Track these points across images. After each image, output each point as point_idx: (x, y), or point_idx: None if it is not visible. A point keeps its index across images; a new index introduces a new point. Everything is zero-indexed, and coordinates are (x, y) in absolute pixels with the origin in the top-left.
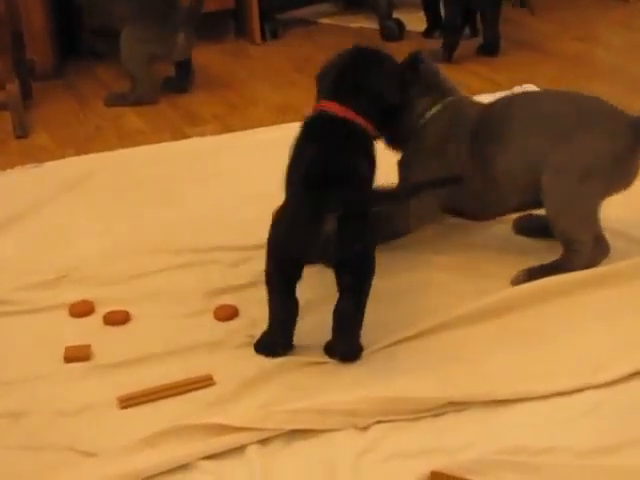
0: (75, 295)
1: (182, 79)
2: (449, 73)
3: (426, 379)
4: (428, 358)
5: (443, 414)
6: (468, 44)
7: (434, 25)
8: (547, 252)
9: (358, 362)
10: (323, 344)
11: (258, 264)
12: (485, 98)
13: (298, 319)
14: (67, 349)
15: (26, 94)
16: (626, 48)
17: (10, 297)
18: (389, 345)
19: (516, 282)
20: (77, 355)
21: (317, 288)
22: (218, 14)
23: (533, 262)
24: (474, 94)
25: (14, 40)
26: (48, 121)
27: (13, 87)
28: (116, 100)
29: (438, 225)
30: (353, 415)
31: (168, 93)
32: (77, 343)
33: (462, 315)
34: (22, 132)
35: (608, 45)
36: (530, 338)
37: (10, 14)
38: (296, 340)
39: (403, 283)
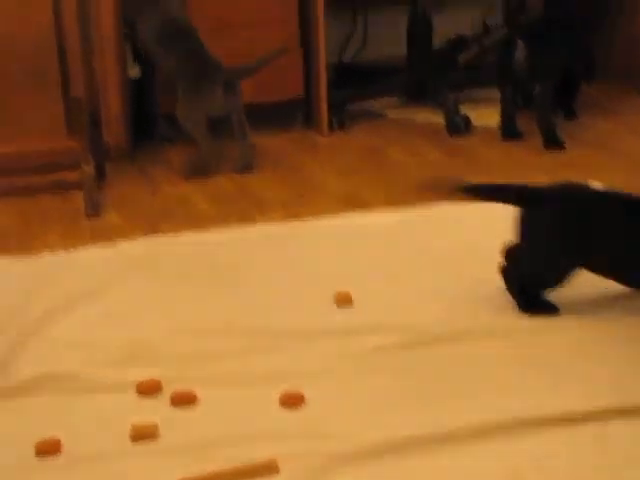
0: (142, 374)
1: (243, 153)
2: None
3: None
4: None
5: None
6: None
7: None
8: None
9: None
10: None
11: (324, 349)
12: None
13: None
14: (134, 427)
15: (100, 175)
16: None
17: (78, 374)
18: None
19: None
20: (144, 434)
21: None
22: (287, 104)
23: None
24: None
25: (91, 122)
26: (119, 201)
27: (88, 168)
28: (191, 172)
29: None
30: None
31: (236, 173)
32: (144, 422)
33: None
34: (94, 211)
35: None
36: None
37: (89, 97)
38: None
39: None
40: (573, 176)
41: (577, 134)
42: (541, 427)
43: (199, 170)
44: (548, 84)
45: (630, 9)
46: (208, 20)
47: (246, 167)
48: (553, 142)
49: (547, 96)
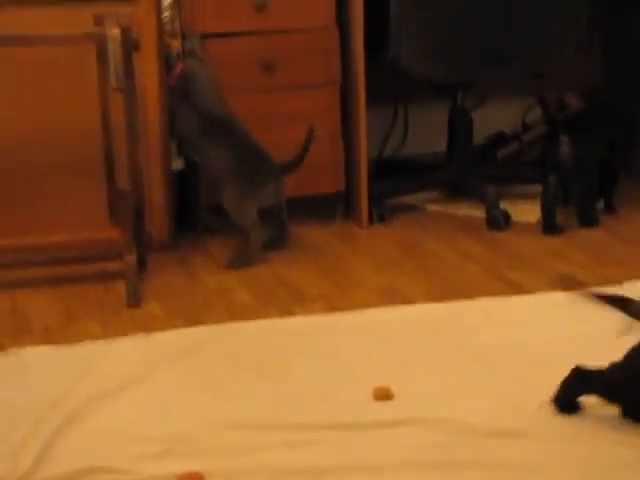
0: (182, 467)
1: (277, 234)
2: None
3: None
4: None
5: None
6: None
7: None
8: None
9: None
10: None
11: (363, 445)
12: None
13: None
14: None
15: (141, 265)
16: None
17: (119, 466)
18: None
19: None
20: None
21: None
22: (329, 197)
23: None
24: (582, 287)
25: (135, 213)
26: (160, 292)
27: (131, 258)
28: (238, 261)
29: None
30: None
31: (267, 253)
32: None
33: None
34: (135, 301)
35: None
36: None
37: (134, 189)
38: None
39: None
40: (614, 273)
41: (617, 230)
42: None
43: (246, 260)
44: (590, 177)
45: None
46: (253, 114)
47: (281, 245)
48: (589, 222)
49: (589, 189)
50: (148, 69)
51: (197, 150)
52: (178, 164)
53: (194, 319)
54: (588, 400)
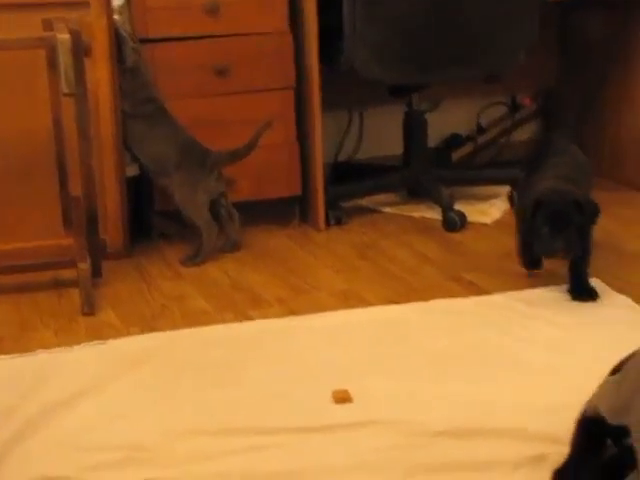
0: (139, 475)
1: (230, 232)
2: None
3: None
4: None
5: None
6: None
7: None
8: None
9: None
10: None
11: (323, 448)
12: (551, 290)
13: None
14: None
15: (96, 272)
16: None
17: (75, 475)
18: None
19: None
20: None
21: None
22: (285, 200)
23: None
24: (538, 287)
25: (89, 220)
26: (115, 299)
27: (85, 265)
28: (193, 259)
29: None
30: None
31: (223, 256)
32: None
33: None
34: (89, 309)
35: None
36: None
37: (87, 196)
38: None
39: None
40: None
41: None
42: None
43: (200, 257)
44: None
45: (614, 113)
46: (202, 117)
47: (235, 245)
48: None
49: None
50: (100, 74)
51: (142, 142)
52: (132, 170)
53: (150, 326)
54: None
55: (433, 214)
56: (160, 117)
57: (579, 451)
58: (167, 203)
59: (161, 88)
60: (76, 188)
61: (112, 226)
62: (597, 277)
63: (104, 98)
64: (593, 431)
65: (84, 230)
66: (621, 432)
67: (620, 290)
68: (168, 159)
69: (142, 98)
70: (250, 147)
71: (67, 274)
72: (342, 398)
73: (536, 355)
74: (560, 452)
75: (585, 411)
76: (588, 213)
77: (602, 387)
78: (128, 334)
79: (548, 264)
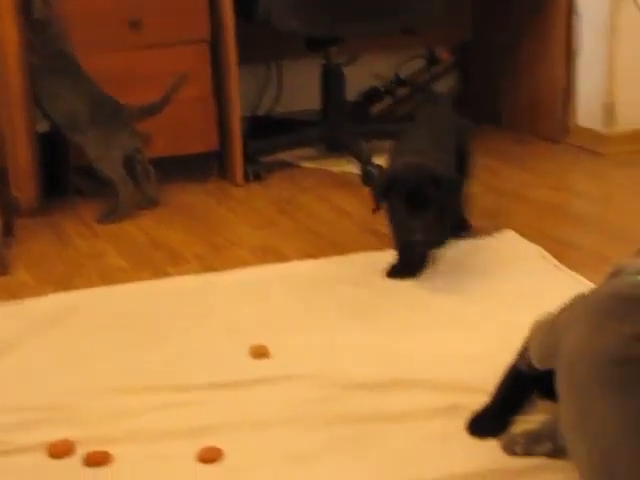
0: (54, 435)
1: (147, 189)
2: None
3: None
4: None
5: None
6: None
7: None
8: None
9: None
10: None
11: (241, 403)
12: (465, 243)
13: None
14: None
15: (8, 231)
16: (600, 198)
17: None
18: None
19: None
20: None
21: None
22: (202, 156)
23: None
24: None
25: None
26: (29, 258)
27: None
28: (109, 216)
29: None
30: None
31: (140, 213)
32: None
33: None
34: (3, 269)
35: (583, 195)
36: None
37: None
38: None
39: None
40: (488, 223)
41: (490, 182)
42: None
43: (117, 214)
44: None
45: (530, 67)
46: (116, 71)
47: (153, 202)
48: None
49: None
50: (6, 27)
51: (53, 98)
52: (44, 126)
53: (66, 285)
54: None
55: (352, 168)
56: (71, 71)
57: (499, 400)
58: (82, 159)
59: (73, 41)
60: None
61: (24, 183)
62: (511, 228)
63: (11, 52)
64: (519, 381)
65: None
66: (547, 379)
67: (533, 240)
68: (79, 115)
69: (52, 52)
70: (165, 102)
71: None
72: (260, 353)
73: (453, 307)
74: (475, 402)
75: (515, 360)
76: (447, 190)
77: (534, 334)
78: (43, 293)
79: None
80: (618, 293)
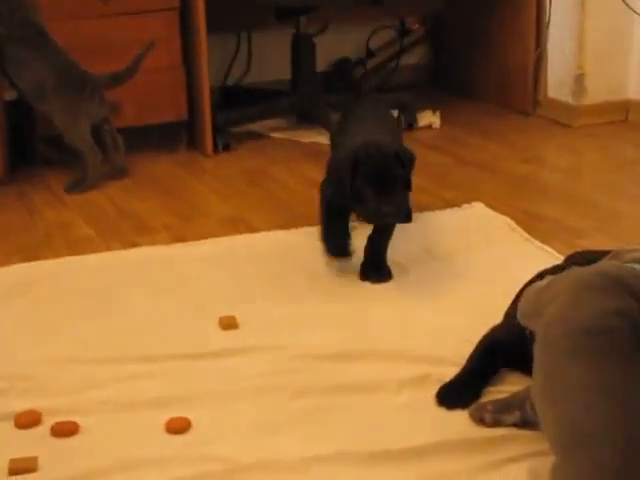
0: (21, 405)
1: (115, 158)
2: None
3: None
4: None
5: None
6: None
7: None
8: None
9: None
10: None
11: (210, 374)
12: (434, 215)
13: None
14: (12, 461)
15: None
16: (571, 170)
17: None
18: None
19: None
20: (23, 467)
21: None
22: (171, 126)
23: None
24: (422, 210)
25: None
26: None
27: None
28: (77, 185)
29: None
30: None
31: (108, 183)
32: (23, 455)
33: None
34: None
35: (553, 167)
36: None
37: None
38: None
39: None
40: (457, 195)
41: (461, 154)
42: None
43: (85, 184)
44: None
45: (501, 39)
46: (85, 40)
47: (121, 171)
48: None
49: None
50: None
51: (19, 66)
52: (11, 94)
53: (33, 255)
54: None
55: (322, 139)
56: (38, 40)
57: (469, 370)
58: (50, 128)
59: (42, 9)
60: None
61: None
62: (481, 200)
63: None
64: (491, 352)
65: None
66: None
67: (502, 212)
68: (46, 84)
69: (19, 20)
70: (132, 70)
71: None
72: (228, 324)
73: (421, 279)
74: (444, 373)
75: (488, 333)
76: (409, 166)
77: (526, 294)
78: (9, 263)
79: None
80: (606, 272)
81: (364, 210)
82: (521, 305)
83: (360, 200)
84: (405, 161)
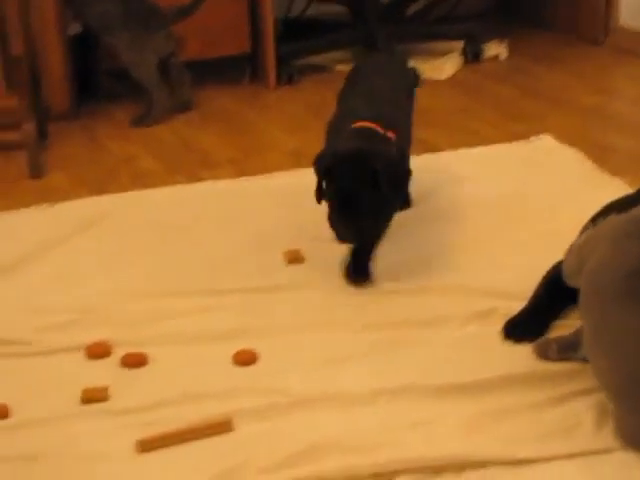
0: (91, 336)
1: (181, 93)
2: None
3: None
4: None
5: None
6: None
7: None
8: None
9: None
10: None
11: (276, 307)
12: (502, 148)
13: None
14: (84, 391)
15: (42, 134)
16: None
17: (26, 338)
18: None
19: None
20: (94, 397)
21: None
22: (234, 59)
23: None
24: (489, 144)
25: (32, 80)
26: (63, 162)
27: (29, 127)
28: (142, 120)
29: None
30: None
31: (173, 117)
32: (94, 385)
33: None
34: (37, 172)
35: (624, 98)
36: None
37: (28, 54)
38: None
39: None
40: (524, 128)
41: (528, 85)
42: None
43: (151, 119)
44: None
45: None
46: None
47: (187, 105)
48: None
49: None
50: None
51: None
52: (75, 28)
53: (99, 188)
54: None
55: None
56: None
57: (536, 304)
58: (115, 62)
59: None
60: (17, 48)
61: (56, 86)
62: (549, 132)
63: None
64: (557, 286)
65: (27, 90)
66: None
67: (572, 144)
68: (112, 17)
69: None
70: (198, 3)
71: (12, 136)
72: (294, 258)
73: (488, 214)
74: (510, 307)
75: (554, 266)
76: (389, 184)
77: (567, 254)
78: (76, 197)
79: None
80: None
81: (328, 221)
82: (565, 266)
83: (329, 207)
84: (382, 180)
